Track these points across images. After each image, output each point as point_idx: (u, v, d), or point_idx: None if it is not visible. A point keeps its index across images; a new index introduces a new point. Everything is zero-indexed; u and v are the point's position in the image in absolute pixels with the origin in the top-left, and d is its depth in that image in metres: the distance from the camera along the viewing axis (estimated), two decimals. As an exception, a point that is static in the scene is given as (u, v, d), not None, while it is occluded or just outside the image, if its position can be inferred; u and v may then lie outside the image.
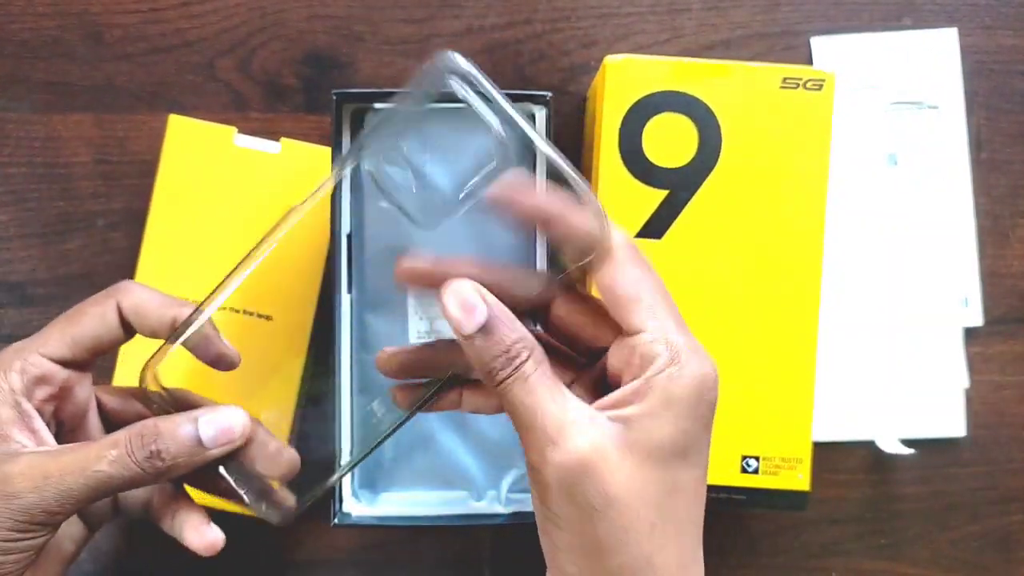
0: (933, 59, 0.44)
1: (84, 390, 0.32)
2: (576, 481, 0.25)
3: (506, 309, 0.27)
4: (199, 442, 0.29)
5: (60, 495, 0.27)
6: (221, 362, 0.31)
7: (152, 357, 0.29)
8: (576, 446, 0.25)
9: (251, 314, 0.40)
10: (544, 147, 0.28)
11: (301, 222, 0.40)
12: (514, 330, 0.26)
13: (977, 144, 0.45)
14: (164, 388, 0.30)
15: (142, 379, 0.29)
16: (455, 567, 0.43)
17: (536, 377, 0.26)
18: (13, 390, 0.29)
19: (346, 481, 0.37)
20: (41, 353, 0.30)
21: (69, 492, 0.27)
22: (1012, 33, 0.45)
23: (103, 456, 0.28)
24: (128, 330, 0.31)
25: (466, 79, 0.28)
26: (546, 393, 0.26)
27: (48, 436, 0.30)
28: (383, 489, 0.37)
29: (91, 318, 0.31)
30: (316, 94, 0.44)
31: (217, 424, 0.29)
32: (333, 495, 0.36)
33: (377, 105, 0.37)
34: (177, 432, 0.28)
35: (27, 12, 0.43)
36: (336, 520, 0.35)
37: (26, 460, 0.28)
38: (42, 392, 0.30)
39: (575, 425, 0.25)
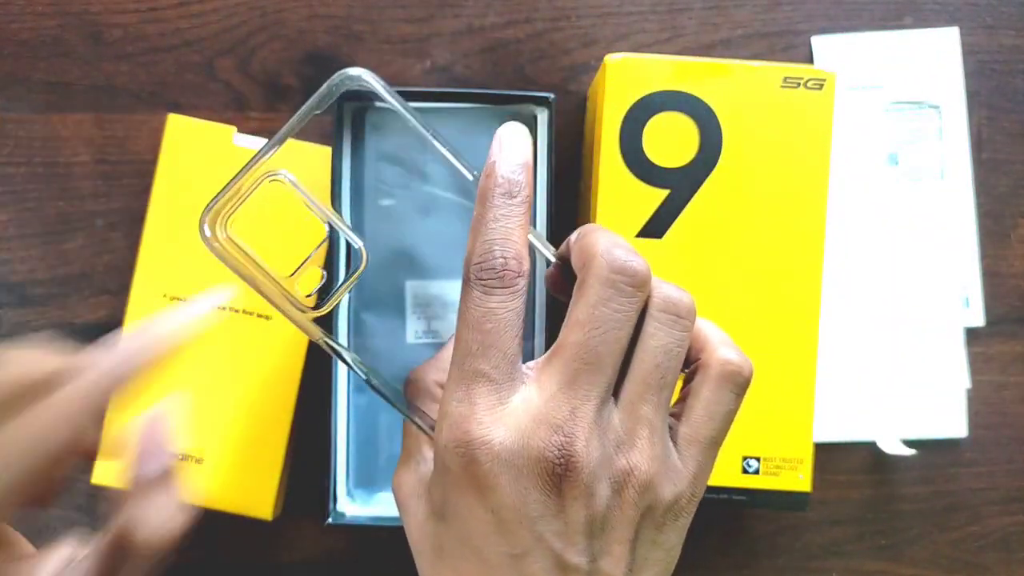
0: (934, 59, 0.44)
1: None
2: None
3: None
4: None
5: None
6: None
7: (216, 201, 0.26)
8: (398, 480, 0.28)
9: (250, 314, 0.40)
10: (456, 163, 0.27)
11: (304, 223, 0.40)
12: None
13: (978, 144, 0.45)
14: (236, 243, 0.27)
15: (205, 227, 0.26)
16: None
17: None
18: None
19: (340, 481, 0.37)
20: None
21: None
22: (1014, 33, 0.45)
23: None
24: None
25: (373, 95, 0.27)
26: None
27: None
28: (378, 489, 0.37)
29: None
30: (316, 94, 0.44)
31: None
32: (328, 494, 0.36)
33: (379, 104, 0.37)
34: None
35: (27, 12, 0.43)
36: (330, 519, 0.35)
37: None
38: None
39: (411, 457, 0.28)
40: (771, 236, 0.36)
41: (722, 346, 0.26)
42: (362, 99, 0.37)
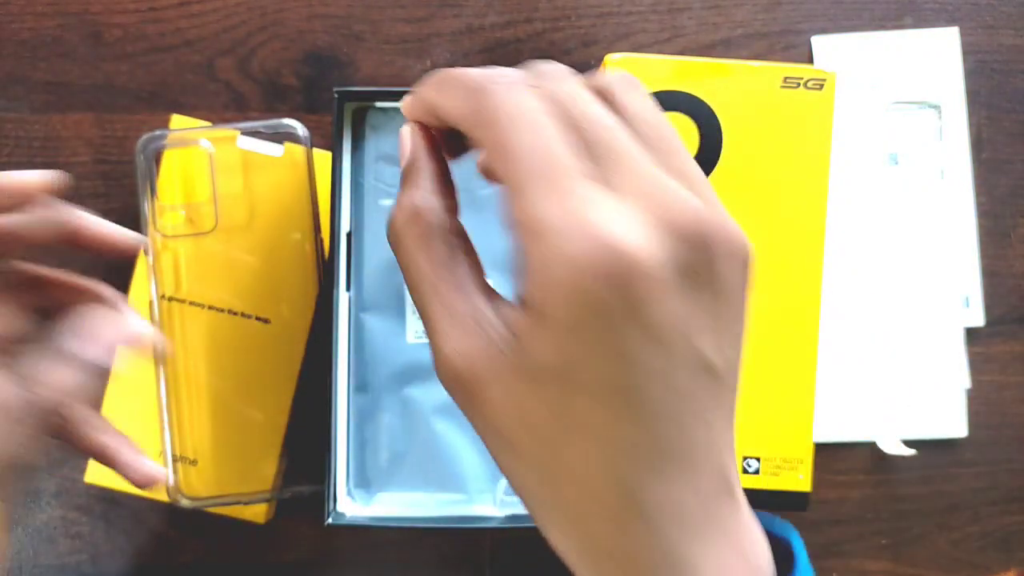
0: (934, 59, 0.44)
1: None
2: (456, 398, 0.21)
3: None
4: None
5: None
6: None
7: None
8: (449, 355, 0.21)
9: (249, 317, 0.40)
10: None
11: (302, 224, 0.40)
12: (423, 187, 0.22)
13: (978, 144, 0.45)
14: None
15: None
16: (457, 568, 0.43)
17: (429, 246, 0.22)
18: None
19: (340, 481, 0.37)
20: None
21: None
22: (1013, 32, 0.45)
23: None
24: None
25: None
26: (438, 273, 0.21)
27: None
28: (378, 490, 0.37)
29: None
30: (316, 94, 0.44)
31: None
32: (327, 494, 0.36)
33: (378, 104, 0.37)
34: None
35: (27, 12, 0.43)
36: (330, 520, 0.35)
37: None
38: None
39: (456, 326, 0.21)
40: (771, 236, 0.36)
41: None
42: (362, 99, 0.37)
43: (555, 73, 0.22)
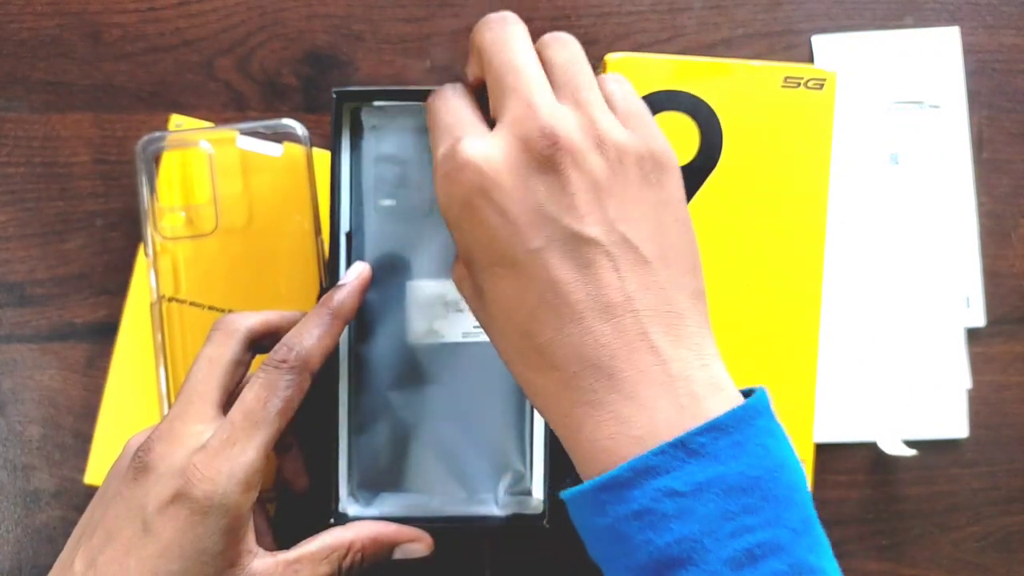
0: (935, 58, 0.44)
1: None
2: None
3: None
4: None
5: None
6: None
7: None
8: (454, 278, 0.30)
9: (250, 314, 0.40)
10: None
11: (302, 225, 0.40)
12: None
13: (979, 143, 0.45)
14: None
15: None
16: (456, 568, 0.43)
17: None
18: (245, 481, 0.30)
19: (342, 481, 0.37)
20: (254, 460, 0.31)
21: None
22: (1014, 32, 0.45)
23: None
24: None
25: None
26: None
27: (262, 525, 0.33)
28: (380, 490, 0.37)
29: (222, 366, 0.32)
30: (315, 93, 0.44)
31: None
32: (331, 496, 0.36)
33: (378, 103, 0.37)
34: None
35: (26, 12, 0.43)
36: (332, 521, 0.35)
37: None
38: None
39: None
40: (772, 236, 0.36)
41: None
42: (360, 99, 0.37)
43: (501, 20, 0.29)
